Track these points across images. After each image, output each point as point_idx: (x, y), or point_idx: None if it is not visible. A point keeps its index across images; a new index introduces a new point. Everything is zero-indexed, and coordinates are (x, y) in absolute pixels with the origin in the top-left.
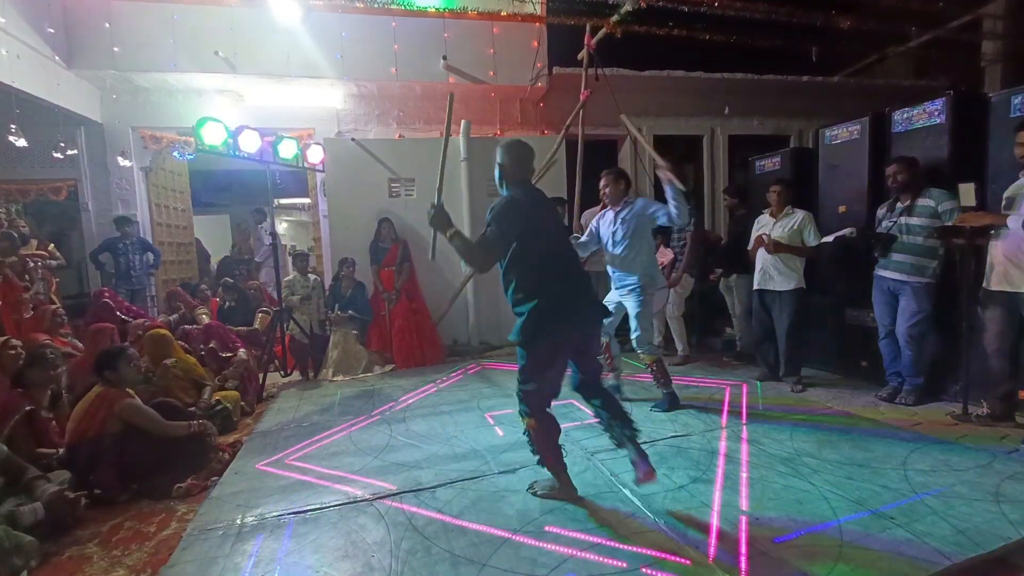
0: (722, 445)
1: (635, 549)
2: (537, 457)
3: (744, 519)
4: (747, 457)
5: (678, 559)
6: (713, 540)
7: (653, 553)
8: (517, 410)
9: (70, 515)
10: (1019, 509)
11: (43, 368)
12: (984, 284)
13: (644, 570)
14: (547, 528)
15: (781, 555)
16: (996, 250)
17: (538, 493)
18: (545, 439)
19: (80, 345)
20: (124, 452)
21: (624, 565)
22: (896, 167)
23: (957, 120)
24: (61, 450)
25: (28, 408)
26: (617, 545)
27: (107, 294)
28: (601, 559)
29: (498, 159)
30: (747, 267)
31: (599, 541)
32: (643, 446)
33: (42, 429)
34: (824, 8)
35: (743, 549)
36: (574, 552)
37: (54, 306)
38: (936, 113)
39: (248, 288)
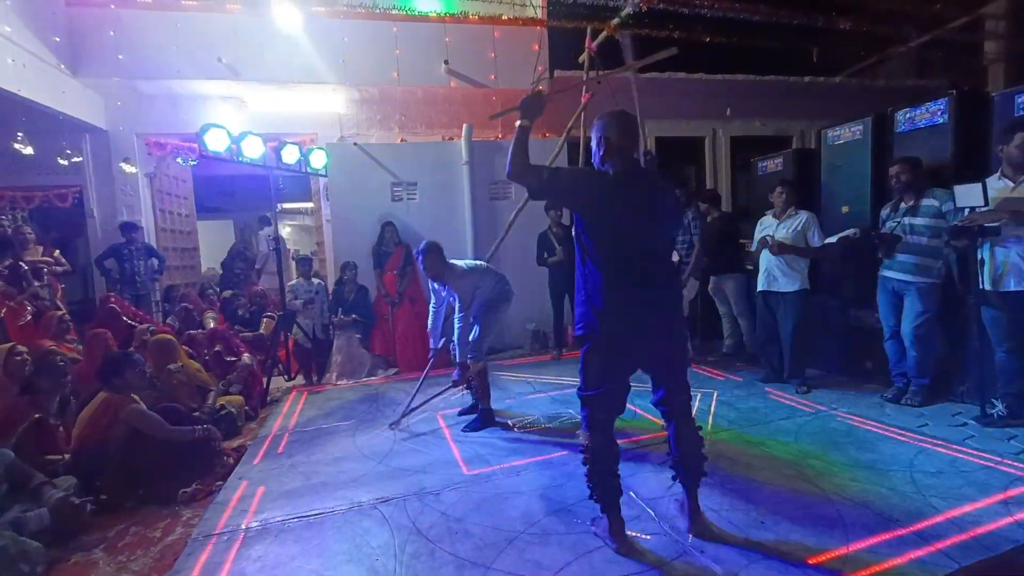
0: (726, 447)
1: (640, 551)
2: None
3: (749, 522)
4: (752, 460)
5: (683, 562)
6: (718, 543)
7: (658, 555)
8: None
9: (76, 521)
10: None
11: (53, 375)
12: (991, 287)
13: (650, 573)
14: (551, 530)
15: (786, 558)
16: (1011, 252)
17: (596, 532)
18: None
19: None
20: (129, 457)
21: (629, 568)
22: (899, 167)
23: (960, 120)
24: (67, 456)
25: (36, 416)
26: None
27: (113, 299)
28: (606, 561)
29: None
30: (732, 267)
31: (603, 544)
32: (647, 449)
33: (50, 436)
34: (825, 9)
35: (748, 552)
36: (578, 554)
37: (60, 312)
38: (939, 113)
39: (254, 294)
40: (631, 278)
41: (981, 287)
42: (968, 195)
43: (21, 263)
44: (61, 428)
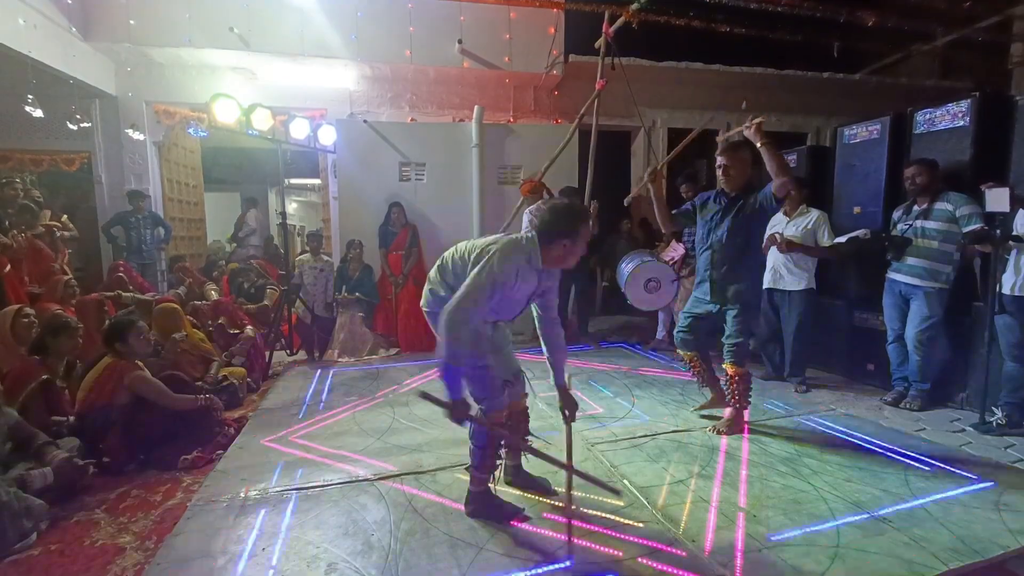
0: (723, 442)
1: (632, 539)
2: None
3: (741, 515)
4: (747, 455)
5: (674, 551)
6: (710, 535)
7: (650, 543)
8: (733, 362)
9: (79, 481)
10: (1020, 519)
11: (69, 337)
12: (1012, 291)
13: (640, 560)
14: (544, 515)
15: (776, 553)
16: None
17: (721, 431)
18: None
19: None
20: (132, 422)
21: (620, 554)
22: (915, 169)
23: (982, 123)
24: (71, 418)
25: (44, 377)
26: (614, 534)
27: (122, 267)
28: (598, 547)
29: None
30: None
31: (596, 529)
32: (644, 439)
33: (56, 397)
34: (848, 3)
35: (739, 545)
36: (571, 539)
37: (66, 277)
38: (960, 115)
39: (259, 268)
40: None
41: (999, 292)
42: (997, 200)
43: (53, 228)
44: (66, 390)
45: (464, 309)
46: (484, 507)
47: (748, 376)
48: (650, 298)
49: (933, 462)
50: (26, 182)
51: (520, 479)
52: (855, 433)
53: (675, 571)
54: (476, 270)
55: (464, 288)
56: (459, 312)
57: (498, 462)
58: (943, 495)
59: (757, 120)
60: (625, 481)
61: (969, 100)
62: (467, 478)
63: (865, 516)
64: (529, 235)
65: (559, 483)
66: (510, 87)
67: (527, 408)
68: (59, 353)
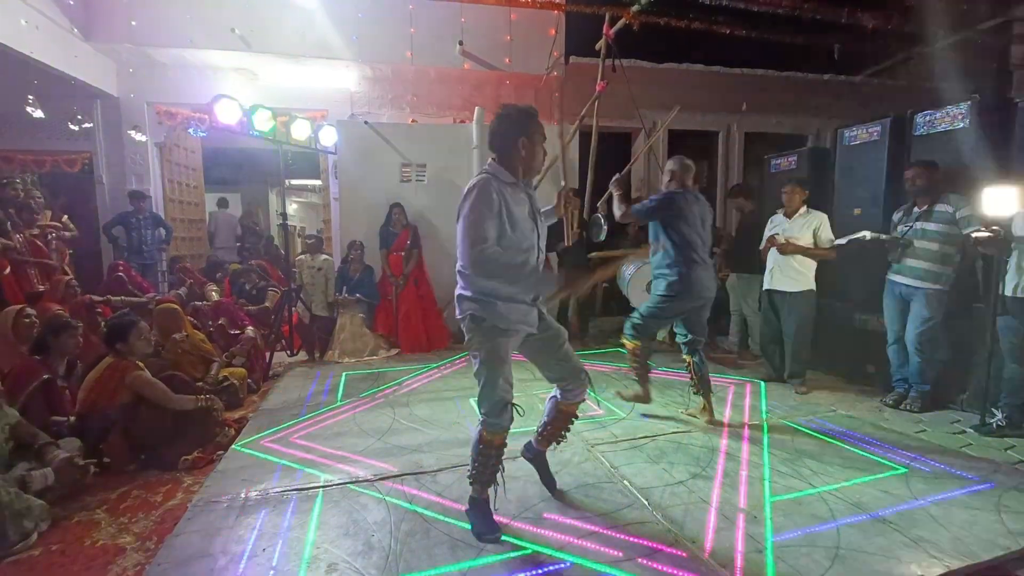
0: (723, 443)
1: (632, 539)
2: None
3: (741, 516)
4: (747, 456)
5: (674, 551)
6: (710, 535)
7: (650, 544)
8: (627, 334)
9: (79, 482)
10: (1020, 520)
11: (70, 336)
12: (1013, 292)
13: (640, 560)
14: (545, 515)
15: (777, 554)
16: None
17: (625, 396)
18: (643, 357)
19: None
20: (133, 423)
21: (620, 555)
22: (915, 171)
23: (982, 125)
24: (72, 418)
25: (45, 376)
26: (614, 535)
27: (122, 267)
28: (598, 547)
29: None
30: (755, 267)
31: (596, 530)
32: (644, 440)
33: (57, 397)
34: (849, 5)
35: (739, 546)
36: (571, 540)
37: (67, 277)
38: (960, 117)
39: (260, 268)
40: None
41: (1002, 293)
42: (1001, 201)
43: (47, 230)
44: (67, 390)
45: (475, 250)
46: (472, 515)
47: (638, 351)
48: None
49: (933, 463)
50: (27, 182)
51: (536, 461)
52: (855, 434)
53: (675, 572)
54: (461, 220)
55: (460, 237)
56: (473, 256)
57: (498, 476)
58: (944, 496)
59: (613, 181)
60: (625, 482)
61: (969, 103)
62: (466, 478)
63: (865, 517)
64: (481, 171)
65: (562, 484)
66: (511, 88)
67: (576, 414)
68: (60, 353)
